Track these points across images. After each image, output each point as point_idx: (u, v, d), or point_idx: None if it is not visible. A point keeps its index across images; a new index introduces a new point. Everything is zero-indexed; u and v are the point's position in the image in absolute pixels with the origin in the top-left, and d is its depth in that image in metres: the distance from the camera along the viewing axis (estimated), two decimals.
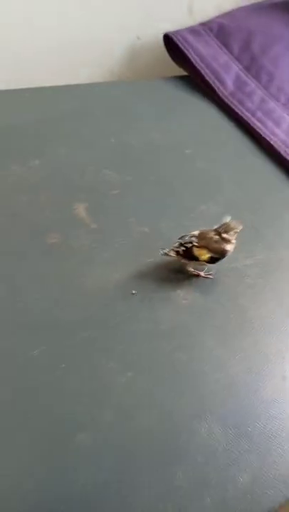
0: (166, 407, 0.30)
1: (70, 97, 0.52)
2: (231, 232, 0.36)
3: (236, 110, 0.53)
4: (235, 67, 0.57)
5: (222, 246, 0.36)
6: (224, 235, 0.36)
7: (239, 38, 0.58)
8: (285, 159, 0.48)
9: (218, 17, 0.61)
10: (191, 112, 0.54)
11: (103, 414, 0.29)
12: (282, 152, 0.49)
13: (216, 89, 0.55)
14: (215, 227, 0.37)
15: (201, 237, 0.36)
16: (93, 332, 0.33)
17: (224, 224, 0.37)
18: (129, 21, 0.62)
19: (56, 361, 0.32)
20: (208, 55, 0.57)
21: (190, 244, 0.36)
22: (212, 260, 0.36)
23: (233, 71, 0.56)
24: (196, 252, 0.36)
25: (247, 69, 0.56)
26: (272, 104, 0.53)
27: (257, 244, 0.41)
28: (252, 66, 0.56)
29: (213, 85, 0.55)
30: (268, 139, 0.50)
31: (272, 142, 0.50)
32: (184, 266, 0.37)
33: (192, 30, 0.60)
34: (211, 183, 0.46)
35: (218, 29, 0.59)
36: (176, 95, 0.57)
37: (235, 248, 0.39)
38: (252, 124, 0.52)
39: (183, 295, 0.36)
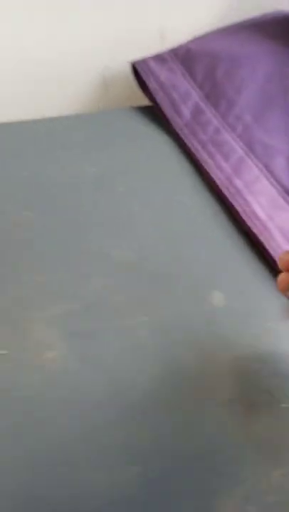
0: None
1: (16, 133, 0.51)
2: None
3: (187, 142, 0.49)
4: (196, 96, 0.52)
5: None
6: None
7: (204, 64, 0.54)
8: (226, 198, 0.43)
9: (189, 42, 0.58)
10: (142, 145, 0.51)
11: None
12: (224, 190, 0.44)
13: (172, 119, 0.51)
14: None
15: None
16: None
17: None
18: (97, 50, 0.60)
19: None
20: (169, 84, 0.54)
21: None
22: None
23: (192, 100, 0.52)
24: None
25: (207, 97, 0.52)
26: (225, 136, 0.48)
27: (163, 298, 0.37)
28: (212, 93, 0.52)
29: (168, 116, 0.52)
30: (212, 174, 0.45)
31: (215, 178, 0.45)
32: None
33: (158, 57, 0.56)
34: (132, 225, 0.42)
35: (184, 54, 0.56)
36: (133, 127, 0.53)
37: (134, 302, 0.35)
38: (199, 158, 0.47)
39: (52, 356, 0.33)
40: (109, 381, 0.32)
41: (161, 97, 0.53)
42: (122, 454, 0.28)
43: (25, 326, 0.35)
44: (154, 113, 0.55)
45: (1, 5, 0.55)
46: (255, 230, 0.39)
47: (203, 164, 0.46)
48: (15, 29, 0.56)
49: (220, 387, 0.31)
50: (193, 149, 0.48)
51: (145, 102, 0.57)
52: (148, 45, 0.60)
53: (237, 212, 0.41)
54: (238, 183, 0.44)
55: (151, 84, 0.54)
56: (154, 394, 0.31)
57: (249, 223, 0.40)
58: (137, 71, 0.57)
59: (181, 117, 0.51)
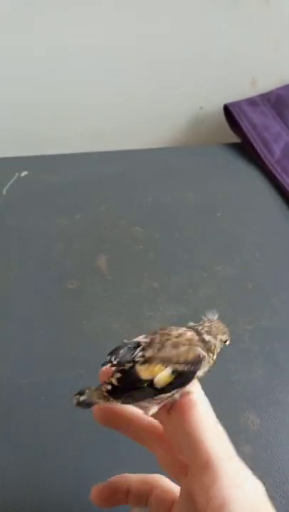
0: None
1: (124, 161, 0.58)
2: (218, 337, 0.24)
3: (278, 177, 0.55)
4: (286, 137, 0.58)
5: (196, 352, 0.22)
6: (207, 337, 0.23)
7: None
8: None
9: (278, 88, 0.64)
10: (235, 177, 0.57)
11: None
12: None
13: (263, 156, 0.57)
14: (190, 324, 0.25)
15: (154, 341, 0.23)
16: (79, 370, 0.37)
17: (209, 322, 0.24)
18: (194, 92, 0.67)
19: (39, 392, 0.36)
20: (261, 125, 0.60)
21: (130, 364, 0.22)
22: (176, 380, 0.22)
23: (283, 140, 0.58)
24: (144, 371, 0.22)
25: None
26: None
27: (263, 309, 0.42)
28: None
29: (260, 153, 0.58)
30: None
31: None
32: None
33: (250, 101, 0.63)
34: (232, 245, 0.48)
35: (275, 100, 0.62)
36: (226, 161, 0.60)
37: (237, 312, 0.40)
38: None
39: None
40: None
41: (254, 136, 0.59)
42: None
43: (142, 322, 0.41)
44: (243, 149, 0.61)
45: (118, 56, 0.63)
46: None
47: None
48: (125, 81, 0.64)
49: None
50: (284, 183, 0.54)
51: (231, 140, 0.63)
52: (240, 90, 0.66)
53: None
54: None
55: (244, 124, 0.60)
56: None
57: None
58: (228, 112, 0.63)
59: (272, 155, 0.57)
